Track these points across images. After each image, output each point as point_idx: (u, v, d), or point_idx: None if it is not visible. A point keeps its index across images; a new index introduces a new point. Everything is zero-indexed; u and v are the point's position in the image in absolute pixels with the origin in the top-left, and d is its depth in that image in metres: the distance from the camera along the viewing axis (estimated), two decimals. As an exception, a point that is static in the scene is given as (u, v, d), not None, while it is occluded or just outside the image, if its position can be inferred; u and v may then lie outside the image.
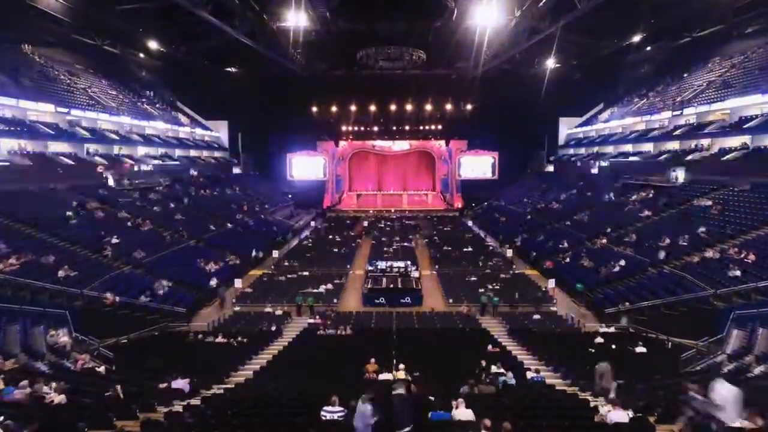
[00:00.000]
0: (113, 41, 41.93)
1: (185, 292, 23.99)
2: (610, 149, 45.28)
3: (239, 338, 18.26)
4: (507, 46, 36.98)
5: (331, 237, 40.54)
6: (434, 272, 30.51)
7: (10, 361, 12.62)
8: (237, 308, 23.88)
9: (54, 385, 10.32)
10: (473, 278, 28.05)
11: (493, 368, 12.98)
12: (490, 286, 25.77)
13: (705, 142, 32.74)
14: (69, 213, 26.20)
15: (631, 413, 9.14)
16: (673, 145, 36.08)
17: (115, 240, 25.33)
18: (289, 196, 58.02)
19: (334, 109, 54.96)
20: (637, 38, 39.29)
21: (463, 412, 8.59)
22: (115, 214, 29.43)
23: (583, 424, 9.34)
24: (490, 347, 16.25)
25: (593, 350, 16.05)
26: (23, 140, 29.27)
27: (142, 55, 47.56)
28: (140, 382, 12.66)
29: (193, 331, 19.69)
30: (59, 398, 9.90)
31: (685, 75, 41.71)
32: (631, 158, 40.09)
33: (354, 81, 52.15)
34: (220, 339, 18.22)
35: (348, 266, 31.94)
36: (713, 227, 24.50)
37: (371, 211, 54.20)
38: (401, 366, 12.90)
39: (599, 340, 16.75)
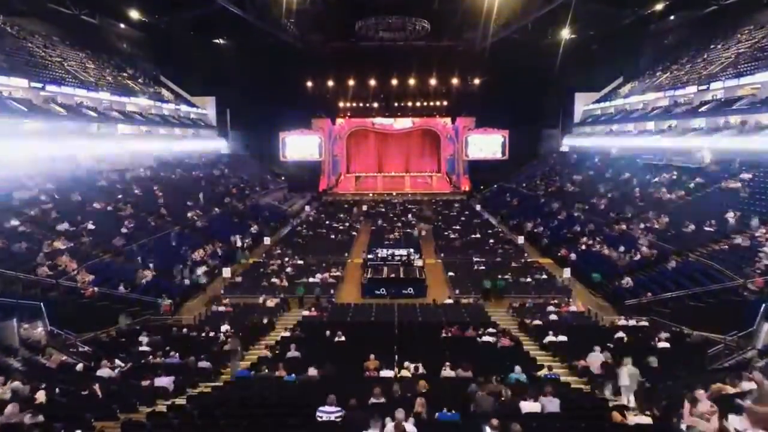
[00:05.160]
0: (91, 10, 41.32)
1: (169, 282, 23.83)
2: (630, 127, 44.78)
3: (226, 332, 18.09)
4: (519, 14, 36.47)
5: (327, 222, 40.34)
6: (439, 261, 30.36)
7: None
8: (225, 300, 23.70)
9: None
10: (482, 267, 27.91)
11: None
12: (500, 276, 25.64)
13: (734, 119, 32.31)
14: (43, 197, 25.95)
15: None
16: (699, 123, 35.61)
17: (91, 226, 25.11)
18: (282, 178, 57.67)
19: (330, 83, 54.40)
20: (659, 6, 38.64)
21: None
22: (93, 197, 29.16)
23: (600, 425, 9.21)
24: (500, 342, 16.16)
25: (612, 345, 15.91)
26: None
27: (122, 25, 46.95)
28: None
29: (178, 324, 19.52)
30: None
31: (712, 46, 40.99)
32: (654, 137, 39.58)
33: (352, 53, 51.48)
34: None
35: (346, 254, 31.79)
36: (743, 212, 24.17)
37: (371, 195, 53.88)
38: (405, 363, 12.81)
39: (620, 334, 16.60)
